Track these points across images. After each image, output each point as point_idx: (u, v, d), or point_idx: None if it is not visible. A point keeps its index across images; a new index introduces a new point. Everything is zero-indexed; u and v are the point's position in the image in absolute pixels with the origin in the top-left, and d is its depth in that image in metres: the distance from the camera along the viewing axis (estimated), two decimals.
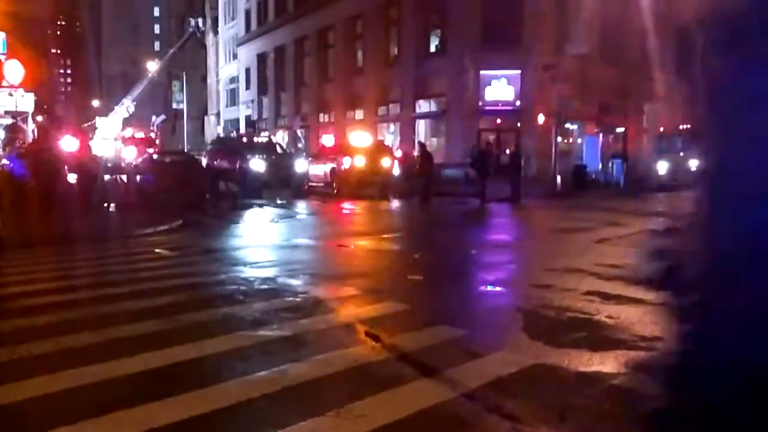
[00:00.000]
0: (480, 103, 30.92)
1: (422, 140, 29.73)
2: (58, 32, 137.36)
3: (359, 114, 39.54)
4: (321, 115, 43.98)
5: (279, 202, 20.71)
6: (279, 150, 27.46)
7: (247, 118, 57.15)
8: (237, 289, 7.38)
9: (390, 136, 36.49)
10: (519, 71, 30.16)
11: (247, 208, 18.56)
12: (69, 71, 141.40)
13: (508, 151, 26.57)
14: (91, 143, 39.25)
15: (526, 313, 6.24)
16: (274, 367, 4.55)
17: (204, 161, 26.58)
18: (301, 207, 19.74)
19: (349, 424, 3.65)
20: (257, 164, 22.87)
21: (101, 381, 4.35)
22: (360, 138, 26.32)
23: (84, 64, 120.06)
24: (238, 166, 23.11)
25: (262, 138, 30.77)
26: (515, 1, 29.89)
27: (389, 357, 4.85)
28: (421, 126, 35.62)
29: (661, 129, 30.57)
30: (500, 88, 30.72)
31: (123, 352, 4.90)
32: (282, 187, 22.56)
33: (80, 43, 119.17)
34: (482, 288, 8.05)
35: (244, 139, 29.36)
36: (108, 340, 5.30)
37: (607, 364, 4.67)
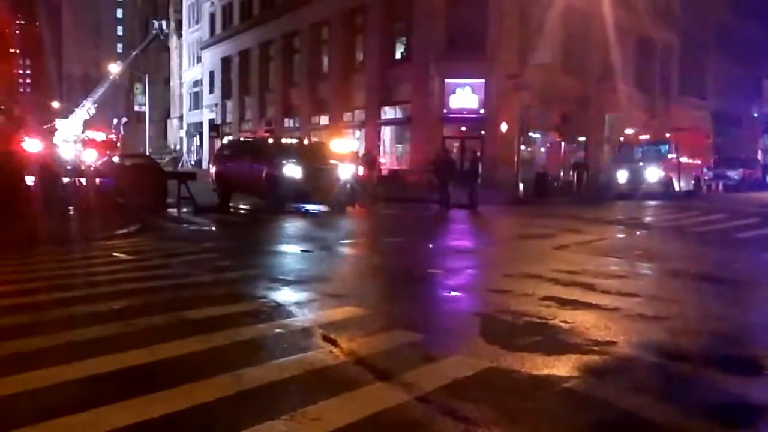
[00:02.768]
0: (445, 111, 31.13)
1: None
2: (17, 31, 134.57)
3: (324, 119, 39.51)
4: (286, 119, 43.84)
5: (243, 207, 20.56)
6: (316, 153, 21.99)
7: (211, 121, 56.68)
8: (195, 294, 7.30)
9: (356, 141, 36.53)
10: (483, 80, 30.46)
11: (208, 212, 18.38)
12: (28, 71, 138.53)
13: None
14: (54, 145, 38.61)
15: (483, 317, 6.30)
16: (229, 371, 4.51)
17: (212, 169, 22.58)
18: (265, 212, 19.60)
19: (303, 427, 3.64)
20: (292, 170, 18.50)
21: (51, 385, 4.27)
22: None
23: (44, 65, 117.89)
24: (265, 173, 18.87)
25: (292, 139, 24.72)
26: (479, 11, 30.21)
27: (346, 361, 4.85)
28: (387, 132, 35.74)
29: (621, 138, 31.10)
30: (465, 96, 30.98)
31: (75, 356, 4.81)
32: (324, 197, 19.09)
33: (40, 42, 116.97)
34: (441, 293, 8.09)
35: (270, 140, 23.31)
36: (60, 344, 5.20)
37: (560, 367, 4.73)
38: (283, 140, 23.20)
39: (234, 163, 21.08)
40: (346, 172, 19.93)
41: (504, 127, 27.00)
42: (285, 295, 7.20)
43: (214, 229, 15.66)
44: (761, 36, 50.46)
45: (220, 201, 20.89)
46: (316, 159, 20.13)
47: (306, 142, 25.08)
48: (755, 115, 55.27)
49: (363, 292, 7.85)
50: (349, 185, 19.77)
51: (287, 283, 8.02)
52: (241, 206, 20.90)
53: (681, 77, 43.66)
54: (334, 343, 5.27)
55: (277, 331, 5.68)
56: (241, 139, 23.04)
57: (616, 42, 33.93)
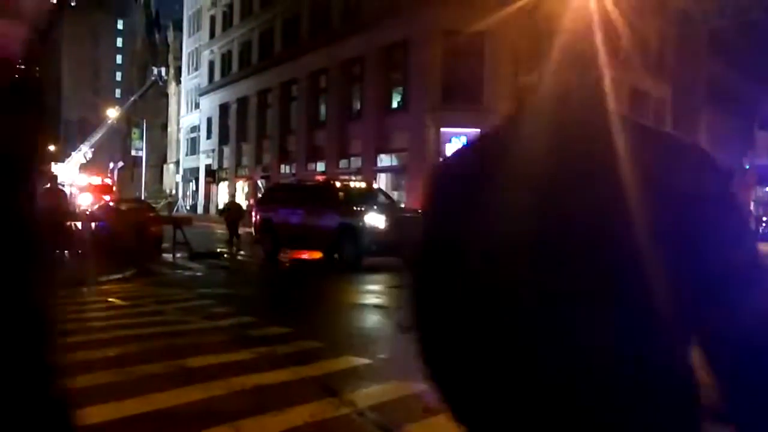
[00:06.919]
0: (441, 159, 31.29)
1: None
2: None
3: (321, 166, 39.73)
4: (282, 166, 44.07)
5: (242, 253, 20.48)
6: (388, 200, 19.15)
7: (207, 167, 57.00)
8: (191, 341, 7.20)
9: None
10: (479, 129, 30.74)
11: (204, 258, 18.27)
12: None
13: None
14: (55, 189, 38.47)
15: None
16: (227, 422, 4.41)
17: (257, 216, 19.47)
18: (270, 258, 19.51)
19: None
20: (374, 219, 15.66)
21: None
22: None
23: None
24: (337, 222, 16.09)
25: (361, 183, 21.04)
26: (475, 62, 30.73)
27: (346, 412, 4.75)
28: (383, 179, 35.90)
29: None
30: (460, 145, 31.13)
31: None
32: (408, 250, 16.96)
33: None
34: None
35: (338, 184, 19.01)
36: None
37: None
38: (353, 184, 19.94)
39: (287, 209, 17.99)
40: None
41: None
42: (285, 344, 7.10)
43: (209, 274, 15.54)
44: (752, 87, 51.40)
45: (266, 254, 18.41)
46: (393, 206, 18.39)
47: (375, 186, 22.66)
48: (747, 166, 55.92)
49: (366, 341, 7.75)
50: None
51: (287, 331, 7.91)
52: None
53: (673, 128, 44.18)
54: (334, 393, 5.18)
55: (277, 380, 5.58)
56: (293, 182, 19.36)
57: (610, 93, 34.45)
